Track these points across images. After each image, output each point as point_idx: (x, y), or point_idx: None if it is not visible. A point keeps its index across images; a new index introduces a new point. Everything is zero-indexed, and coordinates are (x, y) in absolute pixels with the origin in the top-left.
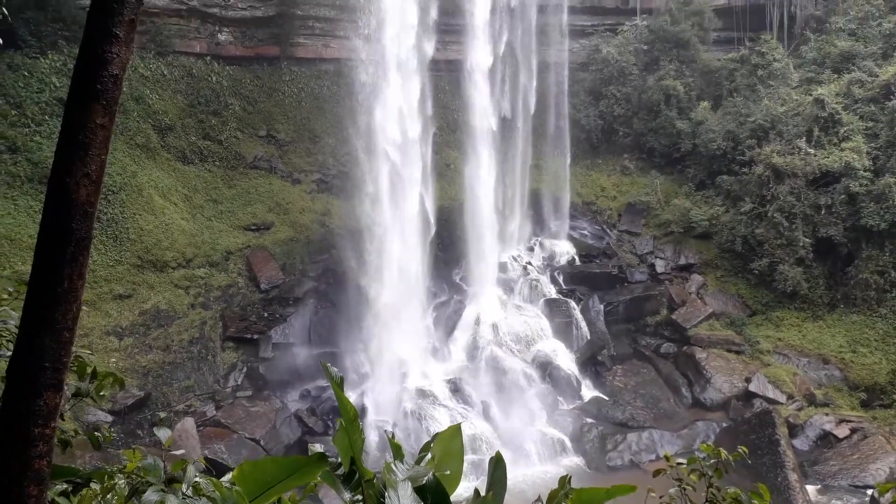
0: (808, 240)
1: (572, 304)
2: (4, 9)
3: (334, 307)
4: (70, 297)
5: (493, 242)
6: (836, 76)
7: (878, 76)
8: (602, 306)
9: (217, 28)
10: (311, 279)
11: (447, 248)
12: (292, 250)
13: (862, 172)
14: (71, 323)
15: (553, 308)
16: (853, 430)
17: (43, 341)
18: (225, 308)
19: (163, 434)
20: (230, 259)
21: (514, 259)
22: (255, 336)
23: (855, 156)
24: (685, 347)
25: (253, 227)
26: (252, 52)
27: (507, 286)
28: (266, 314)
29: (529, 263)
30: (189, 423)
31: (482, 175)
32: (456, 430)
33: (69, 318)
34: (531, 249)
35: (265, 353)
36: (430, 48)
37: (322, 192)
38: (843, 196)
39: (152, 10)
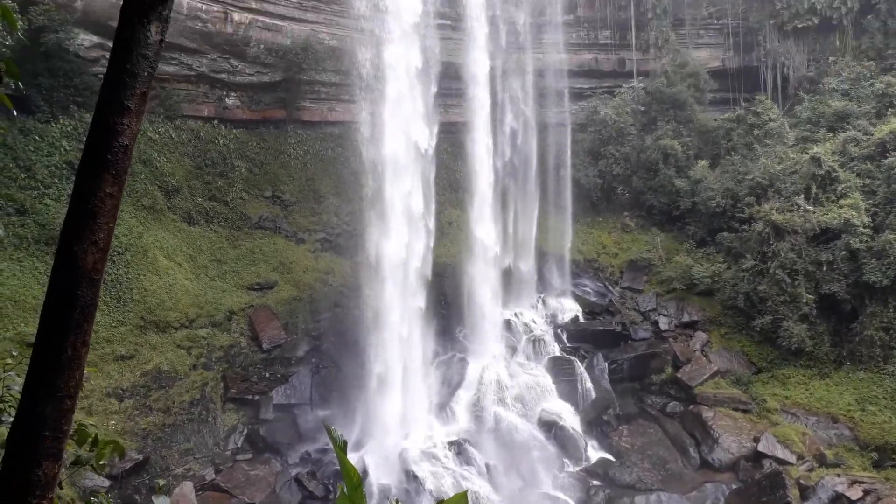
0: (811, 296)
1: (577, 362)
2: (20, 83)
3: (336, 366)
4: (73, 365)
5: (496, 300)
6: (831, 135)
7: (872, 134)
8: (606, 364)
9: (225, 93)
10: (313, 338)
11: (450, 305)
12: (295, 309)
13: (861, 229)
14: (73, 390)
15: (557, 366)
16: (866, 492)
17: (44, 409)
18: (227, 368)
19: (161, 503)
20: (233, 319)
21: (517, 316)
22: (256, 397)
23: (854, 213)
24: (691, 406)
25: (256, 287)
26: (259, 115)
27: (511, 344)
28: (267, 374)
29: (533, 321)
30: (188, 487)
31: (484, 233)
32: (461, 498)
33: (72, 385)
34: (534, 307)
35: (266, 415)
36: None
37: (326, 251)
38: (843, 252)
39: (163, 76)
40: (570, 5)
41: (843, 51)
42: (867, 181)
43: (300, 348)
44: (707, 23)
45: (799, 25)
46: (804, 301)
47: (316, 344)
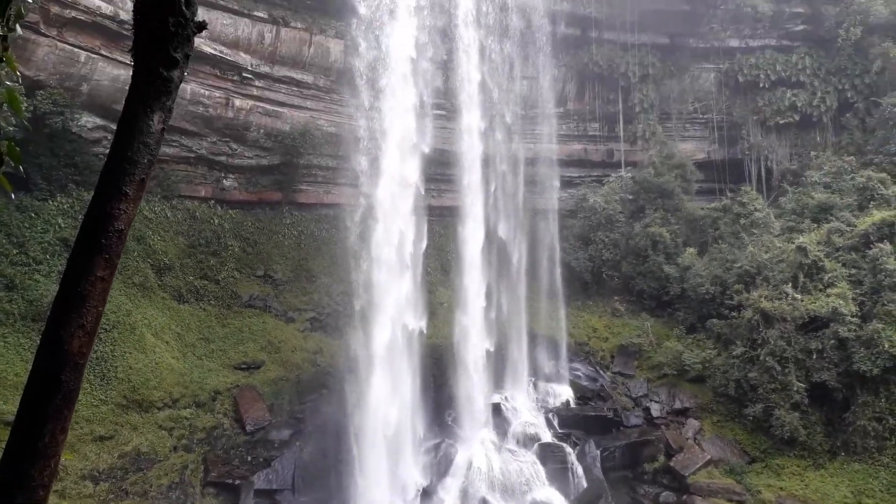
0: (802, 385)
1: (568, 449)
2: (21, 166)
3: (321, 451)
4: (50, 452)
5: (486, 383)
6: (815, 225)
7: (855, 226)
8: (598, 452)
9: (223, 174)
10: (299, 420)
11: (439, 388)
12: (281, 390)
13: (849, 318)
14: (47, 479)
15: (548, 453)
16: None
17: (14, 500)
18: (208, 451)
19: None
20: (217, 399)
21: (507, 401)
22: (238, 481)
23: (841, 301)
24: (685, 497)
25: (243, 366)
26: (255, 197)
27: (501, 429)
28: (250, 458)
29: (523, 405)
30: None
31: (474, 315)
32: None
33: (46, 474)
34: (525, 391)
35: (246, 501)
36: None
37: (315, 331)
38: (833, 341)
39: (162, 158)
40: (560, 99)
41: (823, 146)
42: (853, 271)
43: (285, 431)
44: (693, 117)
45: (781, 121)
46: (795, 389)
47: (301, 427)
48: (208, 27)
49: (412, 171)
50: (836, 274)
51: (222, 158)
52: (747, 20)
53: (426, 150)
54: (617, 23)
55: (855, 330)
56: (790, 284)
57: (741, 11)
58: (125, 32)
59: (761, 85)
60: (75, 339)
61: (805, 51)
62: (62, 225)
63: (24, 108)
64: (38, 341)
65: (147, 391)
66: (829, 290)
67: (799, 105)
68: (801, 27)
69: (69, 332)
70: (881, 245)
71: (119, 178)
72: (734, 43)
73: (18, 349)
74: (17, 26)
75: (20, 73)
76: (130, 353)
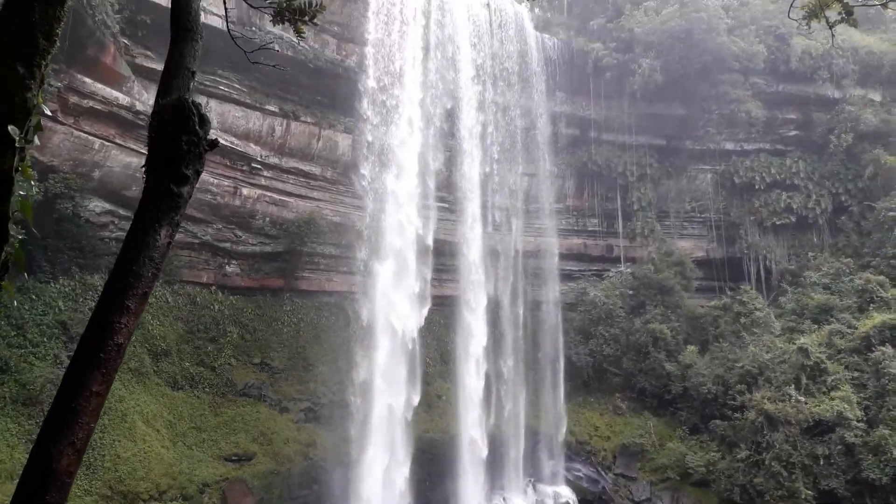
0: (810, 492)
1: None
2: (25, 273)
3: None
4: None
5: (483, 483)
6: (816, 326)
7: (856, 328)
8: None
9: (226, 260)
10: None
11: (435, 485)
12: (272, 484)
13: (855, 423)
14: None
15: None
16: None
17: None
18: None
19: None
20: (206, 492)
21: (505, 501)
22: None
23: (846, 405)
24: None
25: (234, 458)
26: (257, 283)
27: None
28: None
29: None
30: None
31: (473, 409)
32: None
33: None
34: (524, 492)
35: None
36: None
37: (309, 422)
38: (839, 447)
39: None
40: (560, 195)
41: (821, 247)
42: (856, 374)
43: None
44: (690, 216)
45: (777, 222)
46: (804, 497)
47: None
48: (221, 119)
49: (411, 256)
50: (839, 377)
51: (227, 245)
52: (742, 125)
53: (429, 242)
54: (615, 124)
55: (861, 436)
56: (793, 386)
57: (735, 116)
58: (140, 122)
59: (757, 187)
60: (64, 458)
61: (798, 155)
62: (62, 308)
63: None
64: (28, 427)
65: (133, 482)
66: (832, 393)
67: (794, 207)
68: (793, 132)
69: (59, 450)
70: (883, 348)
71: (122, 292)
72: (729, 146)
73: (6, 434)
74: (36, 137)
75: (35, 157)
76: (119, 442)
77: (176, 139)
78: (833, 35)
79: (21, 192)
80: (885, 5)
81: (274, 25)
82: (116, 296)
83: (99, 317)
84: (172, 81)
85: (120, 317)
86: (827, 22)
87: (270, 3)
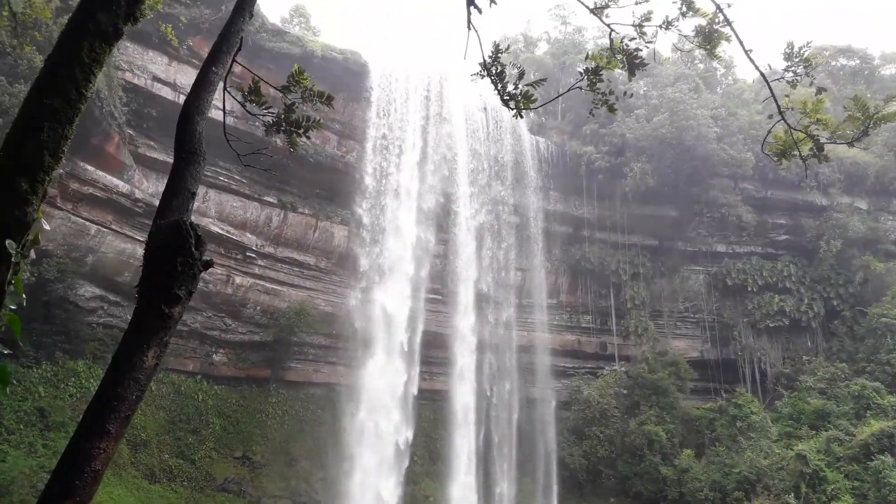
0: None
1: None
2: (18, 342)
3: None
4: None
5: None
6: (813, 432)
7: (854, 435)
8: None
9: (213, 349)
10: None
11: None
12: None
13: None
14: None
15: None
16: None
17: None
18: None
19: None
20: None
21: None
22: None
23: None
24: None
25: None
26: (243, 373)
27: None
28: None
29: None
30: None
31: None
32: None
33: None
34: None
35: None
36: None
37: None
38: None
39: None
40: (553, 291)
41: (815, 350)
42: (856, 483)
43: None
44: (684, 315)
45: (771, 324)
46: None
47: None
48: (219, 208)
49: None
50: (839, 486)
51: (215, 333)
52: (733, 228)
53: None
54: (608, 224)
55: None
56: (792, 494)
57: (726, 220)
58: (137, 210)
59: (749, 289)
60: None
61: (789, 259)
62: (42, 394)
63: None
64: None
65: None
66: (833, 503)
67: (787, 310)
68: (784, 237)
69: None
70: (882, 457)
71: (105, 416)
72: (721, 248)
73: None
74: (31, 252)
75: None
76: None
77: (171, 260)
78: (807, 167)
79: (12, 307)
80: (850, 144)
81: (267, 135)
82: (98, 418)
83: (78, 441)
84: (173, 201)
85: (99, 441)
86: (800, 156)
87: (268, 112)
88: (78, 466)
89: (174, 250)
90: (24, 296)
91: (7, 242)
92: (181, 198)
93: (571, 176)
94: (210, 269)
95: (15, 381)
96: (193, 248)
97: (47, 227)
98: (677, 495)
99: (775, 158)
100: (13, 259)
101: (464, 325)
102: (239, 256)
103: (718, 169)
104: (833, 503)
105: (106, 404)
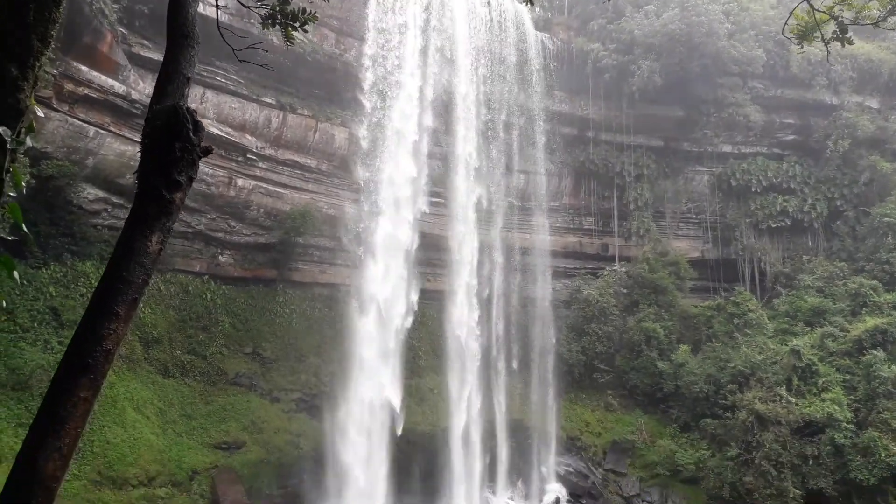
0: (798, 491)
1: None
2: (23, 225)
3: None
4: None
5: (475, 475)
6: (808, 329)
7: (848, 331)
8: None
9: (219, 250)
10: None
11: (426, 477)
12: (261, 473)
13: (845, 424)
14: None
15: None
16: None
17: None
18: None
19: None
20: (195, 479)
21: (495, 495)
22: None
23: (836, 407)
24: None
25: (224, 446)
26: (250, 274)
27: None
28: None
29: (512, 499)
30: None
31: (465, 403)
32: None
33: None
34: (514, 485)
35: None
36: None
37: (300, 412)
38: (829, 447)
39: None
40: (556, 193)
41: (815, 250)
42: (847, 376)
43: None
44: (686, 216)
45: (773, 225)
46: (791, 496)
47: None
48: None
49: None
50: (830, 378)
51: (220, 235)
52: (740, 128)
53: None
54: (613, 124)
55: (851, 437)
56: (784, 387)
57: (733, 119)
58: (135, 111)
59: (753, 189)
60: (51, 463)
61: (795, 159)
62: (53, 294)
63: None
64: (17, 411)
65: (123, 467)
66: (823, 395)
67: (790, 210)
68: (791, 137)
69: (45, 456)
70: (874, 352)
71: (112, 298)
72: (727, 149)
73: None
74: (28, 138)
75: (29, 144)
76: (109, 428)
77: (169, 146)
78: (828, 52)
79: (11, 193)
80: (876, 24)
81: (263, 29)
82: (106, 301)
83: (88, 322)
84: (167, 87)
85: (109, 322)
86: (822, 39)
87: (263, 4)
88: (90, 346)
89: (172, 136)
90: (23, 184)
91: (1, 129)
92: (176, 83)
93: (577, 75)
94: (211, 172)
95: (26, 282)
96: (192, 134)
97: (41, 114)
98: (672, 388)
99: (796, 41)
100: (8, 146)
101: (465, 227)
102: (240, 159)
103: (728, 67)
104: (823, 394)
105: (113, 288)
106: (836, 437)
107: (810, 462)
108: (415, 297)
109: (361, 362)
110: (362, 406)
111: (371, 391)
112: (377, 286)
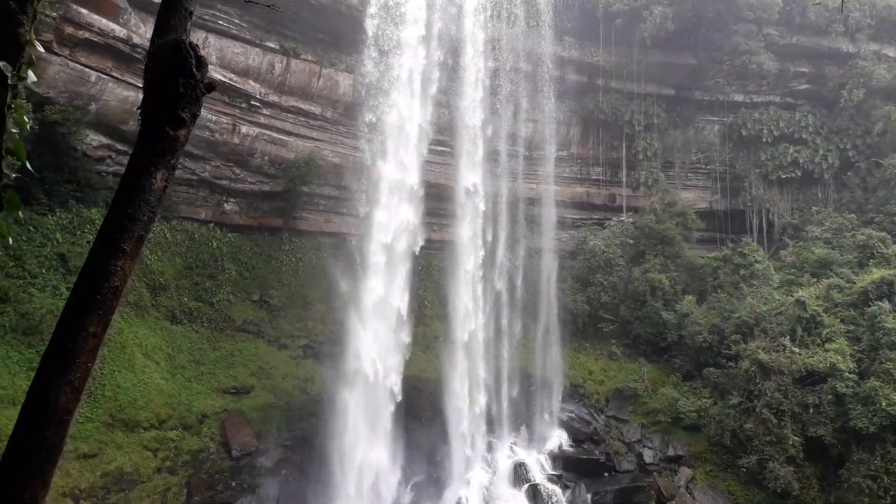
0: (797, 438)
1: (558, 491)
2: (27, 163)
3: (306, 480)
4: None
5: (479, 420)
6: (815, 280)
7: (854, 283)
8: (589, 496)
9: (224, 198)
10: (286, 448)
11: (430, 422)
12: (270, 416)
13: (847, 374)
14: None
15: (538, 495)
16: None
17: None
18: (192, 475)
19: None
20: (205, 422)
21: (499, 440)
22: None
23: (839, 357)
24: None
25: (232, 391)
26: (255, 221)
27: (491, 469)
28: (234, 483)
29: (515, 444)
30: None
31: (470, 350)
32: None
33: None
34: (518, 431)
35: None
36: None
37: (307, 358)
38: (830, 396)
39: None
40: (564, 142)
41: (825, 201)
42: (851, 327)
43: (271, 458)
44: (695, 167)
45: (783, 176)
46: (790, 443)
47: (288, 454)
48: (220, 54)
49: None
50: (834, 329)
51: (224, 182)
52: (752, 76)
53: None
54: (623, 72)
55: (852, 387)
56: (788, 337)
57: (746, 68)
58: (137, 56)
59: (764, 140)
60: (62, 396)
61: (808, 109)
62: (60, 240)
63: (30, 124)
64: (28, 355)
65: (134, 411)
66: (827, 346)
67: (801, 161)
68: (804, 86)
69: (56, 389)
70: (880, 303)
71: (118, 235)
72: (738, 98)
73: (7, 362)
74: (30, 72)
75: (30, 88)
76: (119, 372)
77: (172, 81)
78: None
79: (14, 129)
80: None
81: None
82: (112, 238)
83: (95, 259)
84: (169, 21)
85: (116, 259)
86: None
87: None
88: (97, 283)
89: (175, 71)
90: (26, 118)
91: (1, 64)
92: (178, 17)
93: (587, 20)
94: (215, 119)
95: (32, 228)
96: (195, 70)
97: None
98: (676, 338)
99: None
100: (9, 81)
101: (471, 176)
102: (243, 105)
103: (743, 13)
104: (827, 345)
105: (119, 225)
106: (837, 386)
107: (811, 410)
108: (421, 242)
109: (368, 310)
110: (371, 348)
111: (373, 336)
112: (383, 234)
